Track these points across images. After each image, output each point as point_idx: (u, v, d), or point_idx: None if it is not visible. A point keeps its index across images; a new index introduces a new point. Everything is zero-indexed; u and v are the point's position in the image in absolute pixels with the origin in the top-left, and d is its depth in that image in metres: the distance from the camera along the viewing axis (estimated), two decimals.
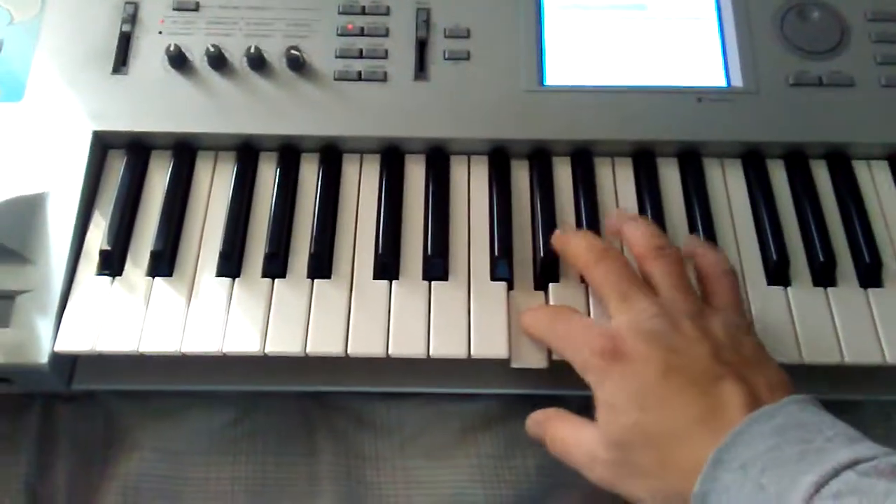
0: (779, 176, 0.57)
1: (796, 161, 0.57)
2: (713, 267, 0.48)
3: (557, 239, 0.51)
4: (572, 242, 0.49)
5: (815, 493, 0.33)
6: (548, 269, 0.52)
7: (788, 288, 0.52)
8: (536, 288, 0.52)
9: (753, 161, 0.57)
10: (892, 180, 0.57)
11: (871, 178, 0.57)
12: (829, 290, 0.52)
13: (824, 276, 0.52)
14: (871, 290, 0.52)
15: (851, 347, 0.50)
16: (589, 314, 0.50)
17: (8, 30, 0.58)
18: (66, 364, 0.51)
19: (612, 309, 0.45)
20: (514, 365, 0.49)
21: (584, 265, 0.48)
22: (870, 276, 0.52)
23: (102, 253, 0.52)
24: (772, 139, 0.57)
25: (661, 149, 0.57)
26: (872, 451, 0.35)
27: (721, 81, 0.59)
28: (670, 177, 0.57)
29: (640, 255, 0.48)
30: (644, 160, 0.57)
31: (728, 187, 0.56)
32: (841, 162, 0.57)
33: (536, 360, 0.49)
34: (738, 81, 0.58)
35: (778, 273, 0.52)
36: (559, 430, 0.46)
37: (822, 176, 0.57)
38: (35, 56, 0.57)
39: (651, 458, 0.40)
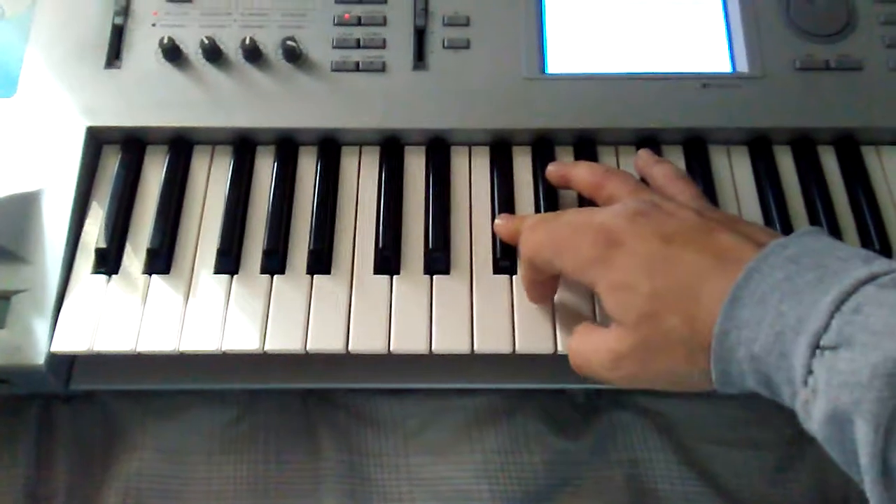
0: (786, 162, 0.56)
1: (804, 147, 0.56)
2: (665, 175, 0.49)
3: (554, 170, 0.52)
4: (576, 171, 0.51)
5: (836, 310, 0.33)
6: None
7: None
8: None
9: (760, 148, 0.56)
10: None
11: (881, 163, 0.56)
12: None
13: None
14: None
15: None
16: (594, 308, 0.49)
17: None
18: (64, 364, 0.51)
19: (586, 215, 0.45)
20: (520, 350, 0.48)
21: (595, 184, 0.49)
22: None
23: (98, 251, 0.51)
24: (779, 125, 0.56)
25: (666, 136, 0.56)
26: (889, 265, 0.35)
27: (726, 67, 0.58)
28: (676, 164, 0.55)
29: (594, 183, 0.49)
30: (649, 148, 0.56)
31: (734, 175, 0.55)
32: (849, 147, 0.56)
33: (543, 346, 0.48)
34: (743, 66, 0.57)
35: None
36: (575, 342, 0.45)
37: (830, 162, 0.56)
38: (27, 51, 0.56)
39: (677, 320, 0.39)
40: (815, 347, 0.33)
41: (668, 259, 0.40)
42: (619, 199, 0.46)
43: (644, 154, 0.53)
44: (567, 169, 0.52)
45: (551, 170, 0.53)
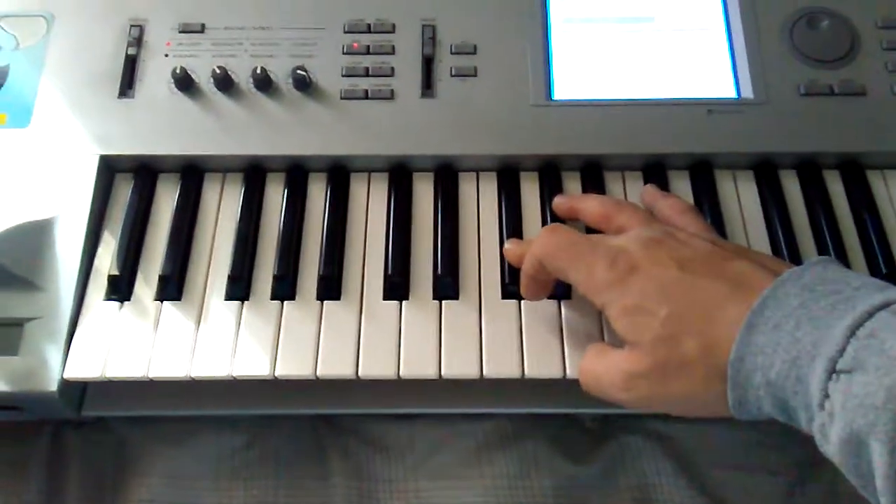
0: (792, 187, 0.56)
1: (809, 172, 0.56)
2: (672, 209, 0.50)
3: (563, 204, 0.53)
4: (585, 204, 0.51)
5: (851, 335, 0.33)
6: (559, 286, 0.51)
7: None
8: None
9: (766, 172, 0.56)
10: None
11: (886, 187, 0.56)
12: None
13: None
14: None
15: None
16: (602, 330, 0.49)
17: (14, 55, 0.59)
18: (76, 391, 0.51)
19: (597, 244, 0.45)
20: (529, 375, 0.48)
21: (605, 216, 0.50)
22: None
23: (111, 278, 0.51)
24: (784, 150, 0.56)
25: (672, 162, 0.57)
26: None
27: (731, 92, 0.58)
28: (682, 190, 0.56)
29: (602, 216, 0.50)
30: (655, 173, 0.56)
31: (741, 199, 0.56)
32: (855, 172, 0.56)
33: (552, 371, 0.48)
34: (748, 92, 0.58)
35: None
36: (587, 362, 0.45)
37: (836, 186, 0.56)
38: (41, 81, 0.57)
39: (693, 344, 0.39)
40: (832, 372, 0.33)
41: (685, 284, 0.41)
42: (630, 230, 0.47)
43: (650, 189, 0.54)
44: (575, 201, 0.52)
45: (559, 202, 0.53)
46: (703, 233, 0.47)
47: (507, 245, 0.51)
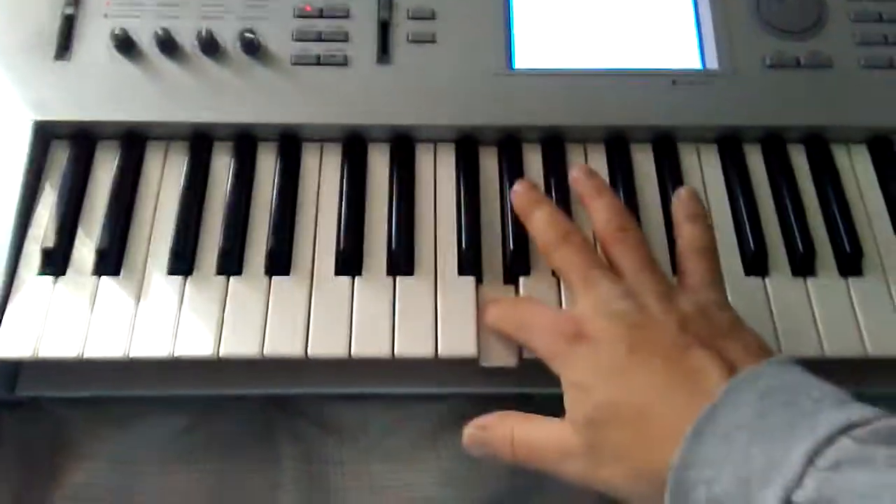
0: (756, 161, 0.55)
1: (774, 145, 0.55)
2: (688, 243, 0.46)
3: (520, 205, 0.48)
4: (534, 216, 0.47)
5: (809, 463, 0.31)
6: (518, 262, 0.50)
7: (766, 278, 0.50)
8: (506, 282, 0.50)
9: (730, 146, 0.55)
10: (872, 165, 0.55)
11: (851, 162, 0.55)
12: (809, 279, 0.50)
13: (803, 265, 0.51)
14: (851, 279, 0.50)
15: (832, 339, 0.48)
16: (561, 307, 0.48)
17: None
18: (9, 370, 0.49)
19: (576, 293, 0.44)
20: (484, 364, 0.47)
21: (545, 247, 0.47)
22: (850, 264, 0.51)
23: (45, 251, 0.48)
24: (748, 123, 0.55)
25: (635, 134, 0.55)
26: (865, 412, 0.33)
27: (696, 64, 0.57)
28: (644, 163, 0.55)
29: (603, 238, 0.46)
30: (617, 146, 0.55)
31: (704, 173, 0.54)
32: (819, 146, 0.55)
33: (506, 359, 0.47)
34: (713, 63, 0.56)
35: (755, 263, 0.50)
36: (521, 430, 0.43)
37: (800, 160, 0.55)
38: None
39: (625, 436, 0.38)
40: (787, 502, 0.31)
41: (629, 371, 0.39)
42: (622, 273, 0.44)
43: (678, 207, 0.48)
44: (589, 198, 0.48)
45: (575, 177, 0.49)
46: (700, 292, 0.43)
47: (517, 188, 0.49)
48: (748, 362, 0.38)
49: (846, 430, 0.32)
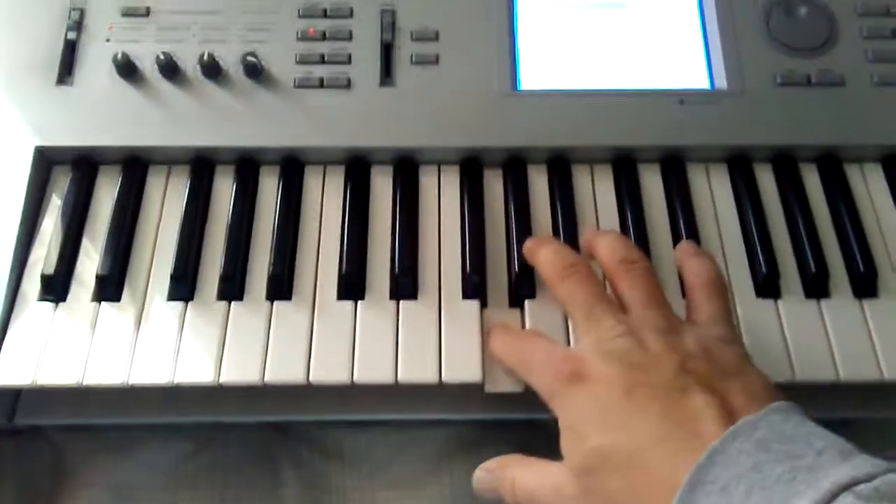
0: (767, 181, 0.54)
1: (785, 165, 0.54)
2: (696, 276, 0.45)
3: (527, 247, 0.48)
4: (540, 253, 0.46)
5: None
6: (523, 285, 0.49)
7: (779, 301, 0.49)
8: (511, 305, 0.49)
9: (740, 166, 0.54)
10: (886, 184, 0.54)
11: (864, 181, 0.54)
12: (822, 302, 0.49)
13: (817, 287, 0.49)
14: (865, 302, 0.49)
15: (847, 364, 0.47)
16: (567, 332, 0.47)
17: None
18: (8, 397, 0.48)
19: (578, 329, 0.43)
20: (489, 390, 0.46)
21: (549, 280, 0.45)
22: (864, 286, 0.49)
23: (45, 277, 0.48)
24: (759, 142, 0.54)
25: (643, 154, 0.54)
26: (870, 467, 0.32)
27: (704, 83, 0.56)
28: (653, 184, 0.54)
29: (609, 270, 0.45)
30: (624, 167, 0.54)
31: (714, 194, 0.53)
32: (832, 165, 0.54)
33: (512, 385, 0.46)
34: (722, 82, 0.55)
35: (767, 285, 0.49)
36: (519, 474, 0.42)
37: (812, 180, 0.54)
38: None
39: (619, 484, 0.36)
40: None
41: (623, 418, 0.37)
42: (628, 306, 0.43)
43: (683, 248, 0.47)
44: (592, 238, 0.47)
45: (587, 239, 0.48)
46: (707, 326, 0.42)
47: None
48: (749, 407, 0.36)
49: (849, 485, 0.31)
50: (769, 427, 0.34)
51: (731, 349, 0.41)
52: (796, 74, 0.55)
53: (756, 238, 0.51)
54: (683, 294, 0.47)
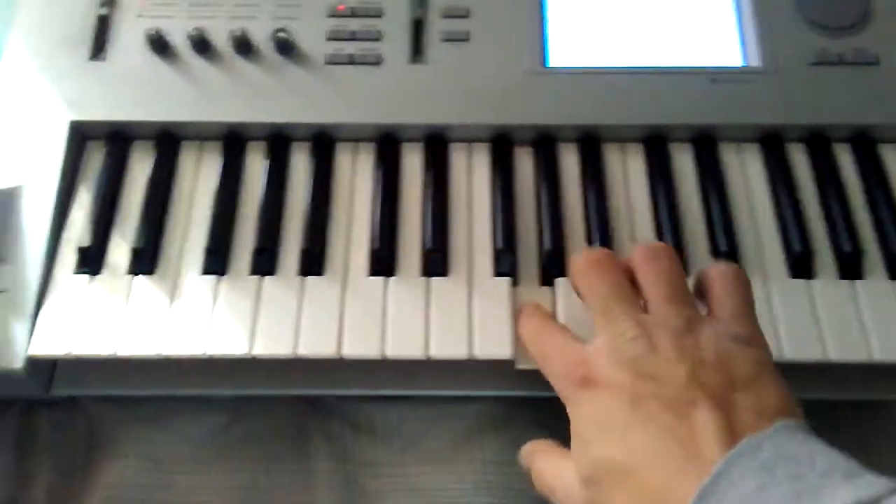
0: (800, 161, 0.53)
1: (818, 145, 0.54)
2: (719, 273, 0.43)
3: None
4: (573, 258, 0.45)
5: None
6: (553, 263, 0.49)
7: (812, 281, 0.49)
8: (542, 283, 0.49)
9: (773, 145, 0.54)
10: None
11: None
12: (857, 282, 0.49)
13: (851, 267, 0.49)
14: None
15: (881, 344, 0.46)
16: None
17: None
18: (45, 368, 0.49)
19: (595, 323, 0.42)
20: (520, 366, 0.46)
21: (572, 272, 0.45)
22: None
23: (80, 250, 0.49)
24: (792, 122, 0.53)
25: (674, 133, 0.54)
26: (875, 487, 0.31)
27: (737, 61, 0.55)
28: (684, 163, 0.53)
29: (634, 263, 0.44)
30: (656, 146, 0.54)
31: (746, 174, 0.53)
32: (866, 145, 0.54)
33: None
34: (755, 60, 0.55)
35: (801, 265, 0.49)
36: (540, 464, 0.43)
37: (846, 160, 0.53)
38: (8, 42, 0.54)
39: (620, 498, 0.36)
40: None
41: (626, 430, 0.37)
42: (648, 301, 0.42)
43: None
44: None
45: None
46: (727, 322, 0.40)
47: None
48: (756, 424, 0.35)
49: None
50: (774, 448, 0.34)
51: (749, 352, 0.39)
52: (829, 53, 0.55)
53: (790, 217, 0.50)
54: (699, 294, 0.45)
